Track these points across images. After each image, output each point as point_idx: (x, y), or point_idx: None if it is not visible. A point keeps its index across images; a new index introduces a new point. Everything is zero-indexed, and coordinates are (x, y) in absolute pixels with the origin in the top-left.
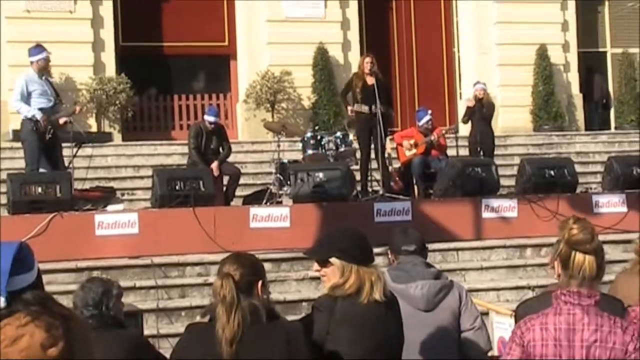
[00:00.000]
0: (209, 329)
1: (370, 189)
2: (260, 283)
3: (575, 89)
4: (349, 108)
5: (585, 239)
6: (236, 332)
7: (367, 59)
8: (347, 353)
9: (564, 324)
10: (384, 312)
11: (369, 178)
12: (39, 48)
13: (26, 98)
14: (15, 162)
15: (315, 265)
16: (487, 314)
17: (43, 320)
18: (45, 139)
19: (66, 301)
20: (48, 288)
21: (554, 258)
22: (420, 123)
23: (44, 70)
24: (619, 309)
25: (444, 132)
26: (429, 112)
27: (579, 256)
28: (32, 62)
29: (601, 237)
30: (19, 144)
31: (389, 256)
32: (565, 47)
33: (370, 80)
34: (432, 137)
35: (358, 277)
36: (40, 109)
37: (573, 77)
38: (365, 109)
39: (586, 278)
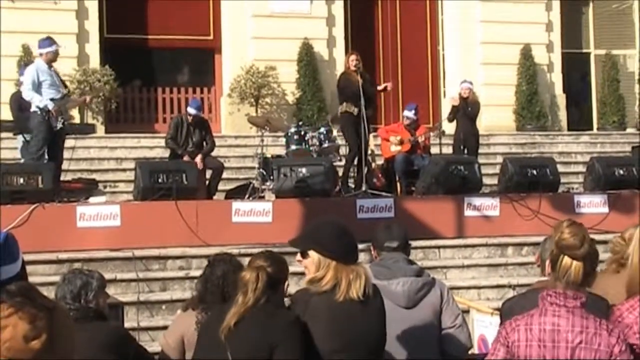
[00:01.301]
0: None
1: (351, 186)
2: (287, 283)
3: (558, 89)
4: (343, 106)
5: (573, 245)
6: (243, 311)
7: (353, 57)
8: (318, 347)
9: (548, 325)
10: (361, 310)
11: (350, 175)
12: (49, 40)
13: (37, 87)
14: None
15: (298, 255)
16: (468, 311)
17: (26, 312)
18: (55, 129)
19: (46, 292)
20: (29, 279)
21: (541, 257)
22: (404, 114)
23: (52, 63)
24: (605, 308)
25: (432, 134)
26: (413, 111)
27: (566, 260)
28: (40, 54)
29: None
30: (2, 134)
31: (372, 252)
32: (549, 47)
33: (356, 79)
34: (419, 138)
35: (335, 274)
36: (51, 99)
37: (557, 77)
38: (354, 109)
39: (570, 283)
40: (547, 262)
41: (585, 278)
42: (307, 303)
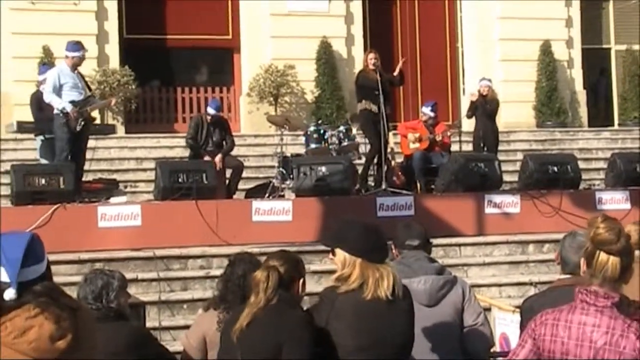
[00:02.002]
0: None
1: (370, 184)
2: (301, 281)
3: (578, 85)
4: (361, 104)
5: (610, 239)
6: (257, 311)
7: (371, 55)
8: (342, 345)
9: (575, 323)
10: (388, 309)
11: (370, 173)
12: (78, 45)
13: (58, 90)
14: (19, 154)
15: (331, 254)
16: (489, 309)
17: (52, 312)
18: (75, 131)
19: (68, 292)
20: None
21: (560, 254)
22: (423, 110)
23: (76, 67)
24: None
25: (448, 134)
26: (430, 107)
27: (602, 256)
28: (66, 56)
29: None
30: (23, 136)
31: (392, 250)
32: (569, 43)
33: (375, 77)
34: (437, 137)
35: (361, 272)
36: (71, 102)
37: (577, 74)
38: (373, 107)
39: (607, 279)
40: (582, 260)
41: (622, 273)
42: (333, 301)
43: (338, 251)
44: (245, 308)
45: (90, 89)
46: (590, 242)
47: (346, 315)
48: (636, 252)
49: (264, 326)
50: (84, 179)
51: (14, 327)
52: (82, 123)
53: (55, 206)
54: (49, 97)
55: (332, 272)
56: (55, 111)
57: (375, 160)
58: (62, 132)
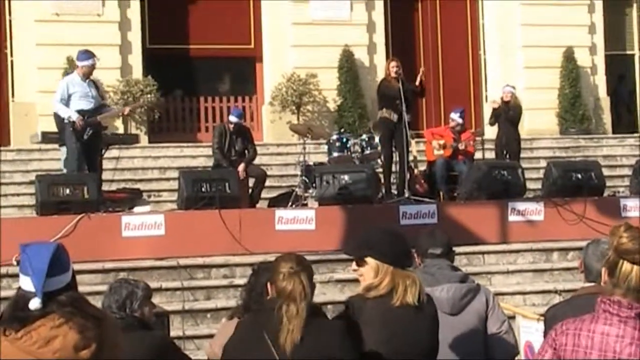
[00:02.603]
0: (260, 323)
1: (394, 192)
2: (314, 287)
3: (602, 91)
4: (382, 112)
5: (634, 249)
6: (300, 330)
7: (393, 63)
8: (370, 350)
9: (597, 333)
10: (415, 315)
11: (393, 181)
12: (87, 54)
13: (66, 100)
14: (44, 164)
15: (354, 264)
16: (513, 317)
17: (76, 322)
18: (84, 140)
19: (93, 302)
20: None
21: (584, 262)
22: (452, 116)
23: (88, 75)
24: None
25: (472, 142)
26: (459, 113)
27: (626, 265)
28: (77, 66)
29: None
30: (47, 146)
31: (415, 258)
32: (592, 49)
33: (397, 85)
34: (460, 145)
35: (392, 279)
36: (79, 111)
37: (600, 80)
38: (393, 115)
39: (631, 289)
40: (604, 270)
41: None
42: (361, 308)
43: (369, 260)
44: (281, 318)
45: (103, 98)
46: (613, 251)
47: (374, 322)
48: None
49: (314, 339)
50: (108, 188)
51: (38, 336)
52: (90, 132)
53: (80, 216)
54: (56, 106)
55: (355, 280)
56: (65, 121)
57: (398, 168)
58: (71, 142)
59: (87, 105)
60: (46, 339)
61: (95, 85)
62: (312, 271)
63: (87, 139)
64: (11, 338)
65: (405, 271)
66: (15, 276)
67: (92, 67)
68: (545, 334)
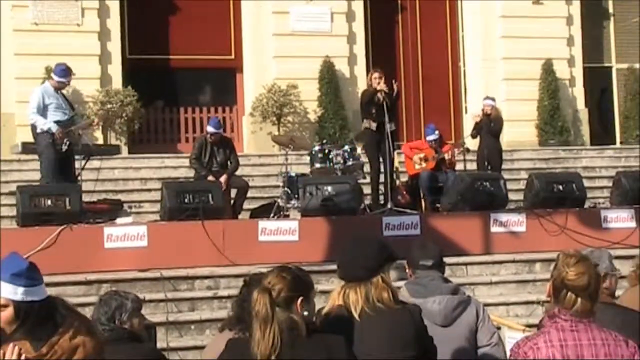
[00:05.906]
0: (247, 345)
1: (381, 202)
2: (300, 299)
3: (580, 103)
4: (363, 123)
5: (579, 286)
6: (272, 348)
7: (375, 74)
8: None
9: (569, 340)
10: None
11: (379, 192)
12: (66, 71)
13: (42, 111)
14: (24, 175)
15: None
16: (499, 328)
17: (84, 328)
18: (62, 151)
19: None
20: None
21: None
22: (428, 139)
23: (60, 90)
24: (637, 319)
25: (456, 152)
26: (437, 131)
27: (571, 295)
28: (51, 78)
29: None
30: (27, 157)
31: (407, 270)
32: (571, 61)
33: (378, 96)
34: (444, 156)
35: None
36: (57, 122)
37: (578, 92)
38: (374, 125)
39: (577, 313)
40: (550, 286)
41: (591, 309)
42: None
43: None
44: (254, 342)
45: (73, 108)
46: (559, 281)
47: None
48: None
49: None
50: (89, 199)
51: (62, 350)
52: (68, 143)
53: (62, 227)
54: (33, 117)
55: None
56: (39, 130)
57: (381, 179)
58: (49, 152)
59: (62, 116)
60: (70, 351)
61: (64, 95)
62: (298, 283)
63: (64, 150)
64: (37, 355)
65: (352, 286)
66: None
67: (65, 85)
68: None
